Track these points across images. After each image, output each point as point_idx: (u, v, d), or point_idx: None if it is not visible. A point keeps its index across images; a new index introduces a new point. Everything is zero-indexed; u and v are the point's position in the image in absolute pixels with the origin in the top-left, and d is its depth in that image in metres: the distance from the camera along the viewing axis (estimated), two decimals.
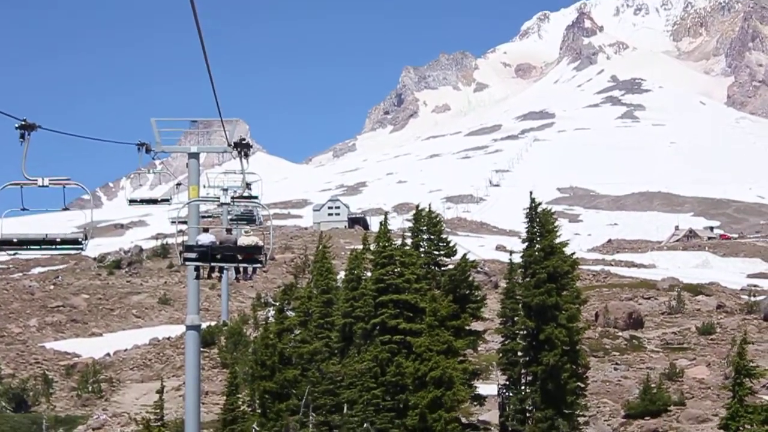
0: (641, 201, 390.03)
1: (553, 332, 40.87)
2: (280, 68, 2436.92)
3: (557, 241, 42.92)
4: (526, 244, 43.48)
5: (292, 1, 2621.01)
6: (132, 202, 53.27)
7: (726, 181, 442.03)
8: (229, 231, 31.67)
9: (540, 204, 43.37)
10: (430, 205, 48.52)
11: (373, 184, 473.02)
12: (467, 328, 41.32)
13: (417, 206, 48.18)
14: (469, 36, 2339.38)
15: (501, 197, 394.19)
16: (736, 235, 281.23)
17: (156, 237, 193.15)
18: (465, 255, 44.30)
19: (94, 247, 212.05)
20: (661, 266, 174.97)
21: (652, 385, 49.23)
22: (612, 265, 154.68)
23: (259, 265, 29.58)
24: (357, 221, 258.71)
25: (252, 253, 29.41)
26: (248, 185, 36.88)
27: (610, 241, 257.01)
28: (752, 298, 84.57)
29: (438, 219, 47.15)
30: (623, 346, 67.70)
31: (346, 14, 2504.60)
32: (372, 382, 39.71)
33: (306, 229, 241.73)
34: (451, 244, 46.60)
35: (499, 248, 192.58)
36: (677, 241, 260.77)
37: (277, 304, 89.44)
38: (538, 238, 43.01)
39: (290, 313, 47.58)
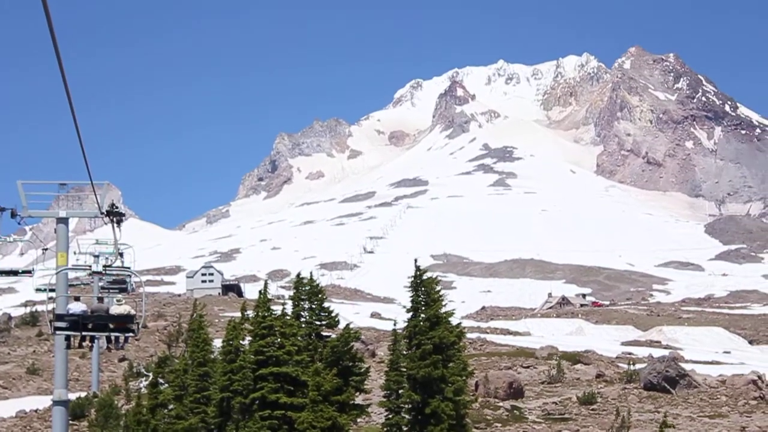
0: (514, 268, 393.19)
1: (439, 406, 39.22)
2: (155, 132, 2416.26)
3: (443, 310, 41.37)
4: (411, 313, 41.84)
5: (167, 66, 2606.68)
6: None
7: (596, 248, 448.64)
8: (100, 299, 30.86)
9: (425, 271, 41.73)
10: (311, 273, 46.64)
11: (247, 250, 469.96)
12: (351, 402, 39.35)
13: (298, 274, 46.23)
14: (343, 103, 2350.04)
15: (375, 264, 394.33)
16: (607, 302, 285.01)
17: (25, 304, 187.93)
18: (348, 325, 42.49)
19: None
20: (535, 333, 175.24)
21: None
22: (487, 332, 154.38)
23: (131, 334, 28.52)
24: (231, 288, 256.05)
25: (124, 322, 28.33)
26: (120, 254, 35.02)
27: (484, 308, 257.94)
28: (631, 367, 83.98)
29: (320, 288, 45.26)
30: (505, 417, 66.35)
31: (221, 78, 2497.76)
32: None
33: (179, 296, 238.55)
34: (333, 314, 44.72)
35: (375, 315, 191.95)
36: (550, 308, 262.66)
37: (150, 376, 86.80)
38: (423, 308, 41.42)
39: (164, 386, 45.17)
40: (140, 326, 28.99)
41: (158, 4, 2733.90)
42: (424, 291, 41.56)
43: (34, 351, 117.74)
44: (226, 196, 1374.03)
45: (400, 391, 41.67)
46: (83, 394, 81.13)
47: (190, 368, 45.06)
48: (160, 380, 43.54)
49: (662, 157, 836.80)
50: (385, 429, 42.78)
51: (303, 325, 43.77)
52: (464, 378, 41.18)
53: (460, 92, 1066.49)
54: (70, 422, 70.89)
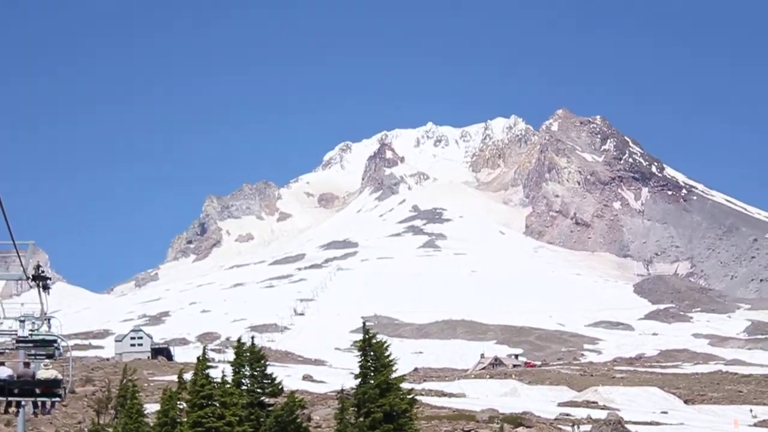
0: (445, 329, 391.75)
1: None
2: (82, 194, 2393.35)
3: (393, 375, 38.87)
4: (359, 379, 39.32)
5: (89, 133, 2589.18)
6: None
7: (527, 309, 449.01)
8: (26, 365, 29.69)
9: (375, 334, 39.26)
10: (253, 338, 43.71)
11: (176, 313, 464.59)
12: None
13: (239, 339, 43.44)
14: (272, 166, 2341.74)
15: (306, 326, 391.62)
16: (539, 363, 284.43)
17: None
18: (293, 393, 39.73)
19: None
20: (470, 395, 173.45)
21: None
22: (422, 394, 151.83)
23: (58, 399, 26.66)
24: (160, 352, 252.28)
25: (51, 387, 26.50)
26: (48, 319, 32.48)
27: (416, 369, 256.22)
28: (577, 429, 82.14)
29: (262, 353, 42.47)
30: None
31: (146, 135, 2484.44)
32: None
33: (108, 360, 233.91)
34: (276, 381, 41.91)
35: (307, 378, 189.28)
36: (483, 368, 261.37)
37: None
38: (372, 373, 38.91)
39: None
40: (67, 391, 27.12)
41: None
42: (373, 355, 39.15)
43: None
44: (155, 259, 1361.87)
45: None
46: None
47: None
48: None
49: (590, 217, 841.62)
50: None
51: (244, 394, 40.92)
52: None
53: (389, 154, 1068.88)
54: None
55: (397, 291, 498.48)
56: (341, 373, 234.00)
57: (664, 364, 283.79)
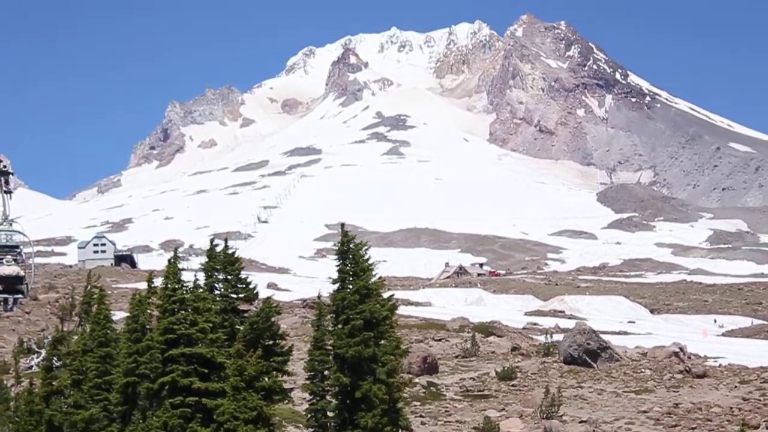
0: (409, 237, 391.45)
1: (370, 389, 34.98)
2: (44, 99, 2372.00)
3: (372, 281, 37.08)
4: (337, 284, 37.48)
5: (50, 39, 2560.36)
6: None
7: (491, 217, 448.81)
8: None
9: (353, 237, 37.39)
10: (226, 240, 41.63)
11: (139, 220, 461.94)
12: (278, 389, 34.58)
13: (211, 241, 41.41)
14: (235, 71, 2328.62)
15: (269, 234, 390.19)
16: (503, 272, 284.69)
17: None
18: (268, 299, 37.80)
19: None
20: (436, 304, 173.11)
21: None
22: None
23: (20, 295, 25.37)
24: (124, 259, 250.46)
25: (13, 284, 25.32)
26: (11, 221, 31.24)
27: (381, 278, 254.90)
28: (549, 340, 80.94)
29: (236, 257, 40.51)
30: (422, 394, 62.51)
31: (113, 41, 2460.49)
32: None
33: (71, 267, 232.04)
34: (251, 286, 39.97)
35: (271, 286, 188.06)
36: (448, 277, 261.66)
37: (42, 353, 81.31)
38: (351, 278, 37.08)
39: (60, 370, 39.97)
40: (30, 287, 26.08)
41: None
42: (352, 259, 37.30)
43: None
44: (118, 165, 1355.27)
45: (326, 373, 37.38)
46: None
47: (90, 349, 40.05)
48: (55, 362, 38.21)
49: (554, 125, 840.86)
50: (309, 415, 38.50)
51: (218, 299, 39.01)
52: (398, 357, 37.02)
53: (353, 60, 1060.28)
54: None
55: (361, 199, 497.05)
56: (305, 281, 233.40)
57: (627, 274, 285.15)
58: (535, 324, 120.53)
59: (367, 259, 37.35)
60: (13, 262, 26.60)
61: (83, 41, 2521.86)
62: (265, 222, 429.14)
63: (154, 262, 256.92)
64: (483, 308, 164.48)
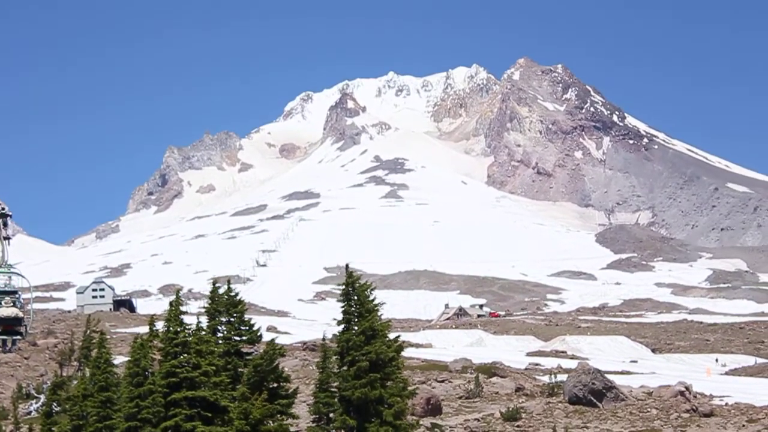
0: (408, 279, 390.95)
1: (378, 431, 34.34)
2: (42, 145, 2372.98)
3: (378, 322, 36.46)
4: (343, 326, 36.86)
5: (48, 84, 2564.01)
6: None
7: (490, 258, 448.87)
8: None
9: (358, 278, 36.79)
10: (229, 281, 41.07)
11: (138, 265, 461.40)
12: None
13: (213, 283, 40.82)
14: (233, 116, 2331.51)
15: (268, 277, 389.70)
16: (503, 313, 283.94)
17: None
18: (272, 341, 37.17)
19: None
20: (437, 345, 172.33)
21: None
22: None
23: (19, 337, 25.29)
24: (122, 303, 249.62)
25: (12, 325, 25.25)
26: (10, 266, 31.08)
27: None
28: (554, 380, 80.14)
29: (239, 299, 39.90)
30: None
31: (107, 87, 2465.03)
32: None
33: (69, 312, 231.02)
34: (254, 328, 39.36)
35: (271, 329, 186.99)
36: (447, 319, 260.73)
37: (42, 398, 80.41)
38: (356, 319, 36.44)
39: (60, 414, 39.14)
40: (28, 328, 26.24)
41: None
42: (357, 300, 36.69)
43: None
44: (116, 210, 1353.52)
45: (331, 415, 36.72)
46: None
47: (90, 394, 39.34)
48: (55, 408, 37.37)
49: (552, 167, 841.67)
50: None
51: (220, 342, 38.35)
52: (405, 399, 36.37)
53: (350, 104, 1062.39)
54: None
55: (359, 241, 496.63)
56: (305, 324, 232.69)
57: (628, 314, 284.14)
58: (537, 364, 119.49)
59: (372, 300, 36.78)
60: (11, 304, 26.42)
61: (79, 85, 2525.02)
62: (264, 266, 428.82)
63: (153, 306, 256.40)
64: (484, 349, 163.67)
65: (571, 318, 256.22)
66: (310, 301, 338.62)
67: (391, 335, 37.79)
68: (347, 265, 37.65)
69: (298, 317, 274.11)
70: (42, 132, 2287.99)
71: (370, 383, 34.75)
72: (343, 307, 37.09)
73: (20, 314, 25.67)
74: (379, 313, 36.53)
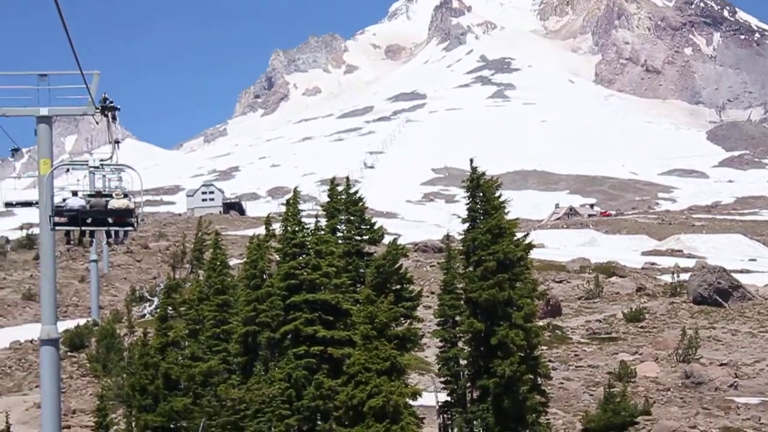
0: (516, 180, 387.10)
1: (507, 335, 32.41)
2: (148, 53, 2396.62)
3: (505, 219, 34.37)
4: (467, 224, 34.86)
5: None
6: (8, 205, 46.71)
7: (599, 158, 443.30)
8: (98, 194, 30.03)
9: (483, 173, 34.71)
10: (348, 177, 39.31)
11: (246, 168, 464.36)
12: (413, 337, 32.15)
13: (332, 180, 39.06)
14: (338, 18, 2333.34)
15: (376, 179, 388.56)
16: (614, 212, 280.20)
17: (21, 227, 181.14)
18: (395, 240, 35.37)
19: None
20: (549, 245, 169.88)
21: (614, 392, 40.77)
22: None
23: (130, 228, 28.56)
24: (232, 206, 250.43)
25: (123, 216, 28.18)
26: (117, 141, 29.87)
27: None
28: (676, 279, 77.76)
29: (359, 196, 38.08)
30: (548, 338, 59.92)
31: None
32: (285, 408, 30.85)
33: (180, 215, 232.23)
34: (376, 227, 37.57)
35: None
36: (558, 219, 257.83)
37: (155, 300, 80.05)
38: (482, 217, 34.39)
39: (175, 319, 37.76)
40: (139, 220, 25.82)
41: None
42: (483, 197, 34.62)
43: (31, 275, 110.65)
44: (223, 114, 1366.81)
45: (458, 318, 34.89)
46: (83, 321, 74.80)
47: (206, 297, 37.97)
48: (170, 312, 36.05)
49: (661, 64, 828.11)
50: (440, 364, 36.07)
51: (341, 242, 36.62)
52: (534, 301, 34.43)
53: (455, 4, 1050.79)
54: (69, 353, 64.73)
55: (466, 142, 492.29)
56: (413, 225, 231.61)
57: (741, 212, 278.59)
58: (653, 264, 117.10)
59: (499, 197, 34.69)
60: (123, 196, 25.79)
61: None
62: (372, 167, 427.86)
63: (262, 208, 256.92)
64: (597, 249, 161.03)
65: (684, 216, 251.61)
66: (418, 202, 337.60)
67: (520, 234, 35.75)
68: (471, 160, 35.44)
69: (407, 218, 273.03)
70: (150, 37, 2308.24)
71: (498, 284, 32.86)
72: (467, 204, 35.10)
73: (131, 205, 25.07)
74: (506, 211, 34.41)
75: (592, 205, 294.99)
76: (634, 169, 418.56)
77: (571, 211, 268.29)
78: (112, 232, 29.75)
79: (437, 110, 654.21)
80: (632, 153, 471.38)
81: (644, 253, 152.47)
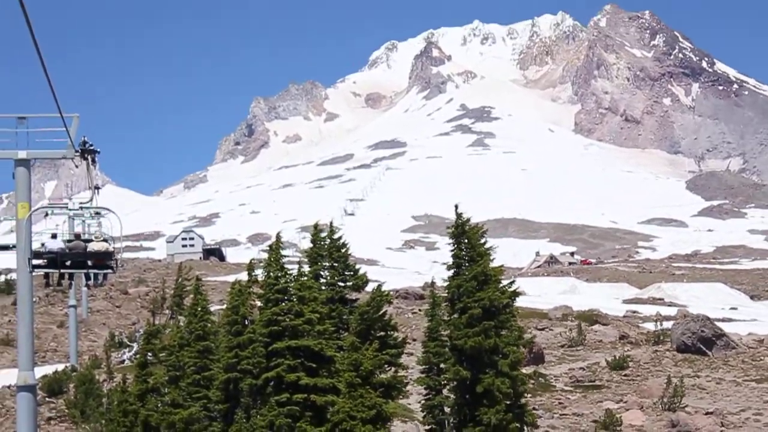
0: (497, 228, 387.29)
1: (493, 383, 31.97)
2: (130, 97, 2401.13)
3: (492, 266, 34.01)
4: (452, 271, 34.46)
5: (142, 39, 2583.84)
6: None
7: (579, 206, 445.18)
8: (77, 236, 30.09)
9: (468, 220, 34.38)
10: (331, 223, 38.92)
11: (226, 215, 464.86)
12: (398, 385, 31.65)
13: (315, 225, 38.64)
14: (319, 66, 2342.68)
15: (357, 226, 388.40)
16: (594, 260, 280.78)
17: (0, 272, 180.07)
18: (379, 286, 34.92)
19: None
20: (530, 293, 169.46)
21: None
22: None
23: (110, 271, 28.77)
24: (212, 252, 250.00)
25: (102, 259, 28.27)
26: (97, 187, 29.70)
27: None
28: (659, 327, 77.62)
29: (343, 242, 37.67)
30: (531, 385, 59.26)
31: (195, 42, 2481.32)
32: None
33: (160, 261, 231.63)
34: (360, 273, 37.15)
35: None
36: (538, 267, 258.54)
37: (134, 346, 79.35)
38: (467, 264, 34.01)
39: (154, 366, 37.23)
40: (119, 263, 25.71)
41: None
42: (468, 243, 34.27)
43: (9, 320, 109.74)
44: (203, 161, 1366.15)
45: (443, 366, 34.44)
46: (61, 367, 74.07)
47: (186, 343, 37.41)
48: (150, 358, 35.55)
49: (640, 114, 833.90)
50: (424, 412, 35.59)
51: (324, 288, 36.18)
52: (520, 348, 34.01)
53: (435, 53, 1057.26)
54: (47, 399, 63.95)
55: (447, 190, 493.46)
56: (395, 272, 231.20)
57: (721, 260, 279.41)
58: (635, 312, 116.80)
59: (484, 243, 34.34)
60: (102, 239, 25.73)
61: (167, 41, 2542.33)
62: (352, 215, 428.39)
63: (243, 255, 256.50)
64: (578, 297, 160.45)
65: (664, 265, 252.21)
66: (398, 249, 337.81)
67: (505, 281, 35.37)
68: (456, 206, 35.09)
69: (387, 265, 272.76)
70: (130, 84, 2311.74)
71: (484, 331, 32.46)
72: (452, 251, 34.73)
73: (111, 248, 24.96)
74: (491, 258, 34.04)
75: (572, 254, 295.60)
76: (614, 218, 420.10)
77: (552, 259, 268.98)
78: (92, 275, 29.99)
79: (417, 158, 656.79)
80: (612, 202, 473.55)
81: (625, 301, 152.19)
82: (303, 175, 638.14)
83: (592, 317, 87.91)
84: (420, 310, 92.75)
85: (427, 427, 35.81)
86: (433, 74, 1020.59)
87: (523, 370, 60.25)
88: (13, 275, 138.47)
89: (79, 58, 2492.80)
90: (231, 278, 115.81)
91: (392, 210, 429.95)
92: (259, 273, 36.24)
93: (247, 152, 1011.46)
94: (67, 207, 31.00)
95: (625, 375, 63.47)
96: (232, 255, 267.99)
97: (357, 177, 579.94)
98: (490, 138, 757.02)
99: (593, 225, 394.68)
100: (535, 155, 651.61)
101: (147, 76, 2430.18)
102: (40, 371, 60.33)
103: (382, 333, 34.08)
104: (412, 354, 52.27)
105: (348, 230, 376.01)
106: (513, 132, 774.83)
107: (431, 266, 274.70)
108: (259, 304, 34.67)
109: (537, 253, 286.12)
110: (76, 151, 27.82)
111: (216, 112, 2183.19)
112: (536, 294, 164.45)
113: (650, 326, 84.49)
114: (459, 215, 34.80)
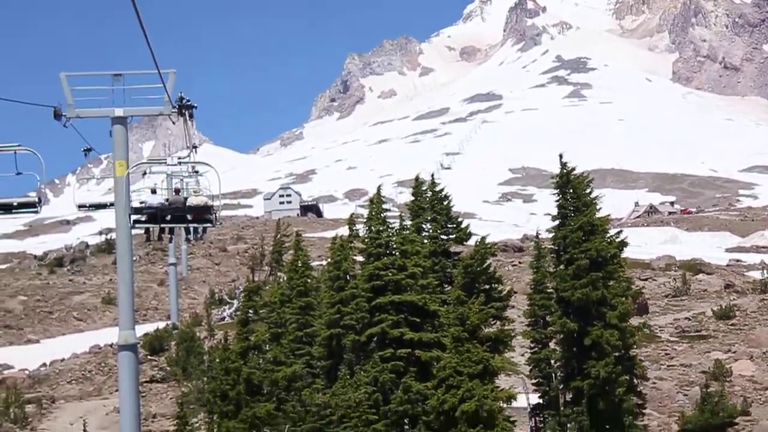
0: (595, 179, 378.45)
1: (602, 335, 31.17)
2: (226, 56, 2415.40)
3: (597, 215, 33.07)
4: (557, 221, 33.59)
5: None
6: (81, 207, 46.16)
7: (678, 156, 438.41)
8: (177, 191, 30.12)
9: (572, 170, 33.40)
10: (432, 175, 38.22)
11: (323, 171, 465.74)
12: (505, 339, 30.94)
13: (416, 177, 37.98)
14: (412, 21, 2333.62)
15: (453, 180, 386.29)
16: (695, 209, 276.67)
17: (101, 232, 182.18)
18: (483, 238, 34.14)
19: (37, 245, 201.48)
20: (631, 243, 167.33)
21: (711, 392, 39.36)
22: None
23: (209, 225, 28.89)
24: (309, 209, 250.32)
25: (202, 213, 28.44)
26: (195, 146, 29.68)
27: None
28: (766, 274, 75.91)
29: (446, 194, 36.95)
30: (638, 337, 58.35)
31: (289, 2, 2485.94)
32: (372, 413, 29.98)
33: (257, 218, 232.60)
34: (463, 225, 36.40)
35: None
36: (638, 217, 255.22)
37: (234, 303, 79.48)
38: (573, 214, 33.09)
39: (256, 323, 36.82)
40: (218, 216, 28.51)
41: None
42: (573, 194, 33.37)
43: (110, 280, 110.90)
44: (299, 118, 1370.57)
45: (549, 318, 33.72)
46: (162, 325, 74.58)
47: (288, 300, 37.04)
48: (251, 315, 35.08)
49: (740, 61, 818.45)
50: (531, 365, 34.91)
51: (426, 241, 35.53)
52: (629, 299, 33.12)
53: (530, 5, 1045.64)
54: (149, 357, 64.49)
55: (543, 142, 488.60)
56: (492, 225, 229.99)
57: None
58: (738, 260, 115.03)
59: (590, 193, 33.41)
60: (201, 193, 25.77)
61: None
62: (448, 168, 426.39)
63: (339, 210, 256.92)
64: (679, 246, 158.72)
65: (766, 213, 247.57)
66: (495, 202, 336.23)
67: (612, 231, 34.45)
68: (561, 155, 34.19)
69: (485, 219, 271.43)
70: (225, 38, 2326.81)
71: (591, 283, 31.71)
72: (557, 201, 33.93)
73: (210, 202, 24.90)
74: (597, 207, 33.10)
75: (672, 203, 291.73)
76: (714, 167, 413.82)
77: (651, 209, 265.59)
78: (191, 229, 30.18)
79: (513, 111, 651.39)
80: (711, 150, 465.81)
81: (728, 250, 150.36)
82: (398, 130, 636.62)
83: (695, 266, 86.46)
84: (520, 262, 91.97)
85: (533, 381, 35.17)
86: (527, 26, 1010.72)
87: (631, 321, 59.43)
88: (114, 235, 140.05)
89: (173, 11, 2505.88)
90: (329, 234, 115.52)
91: (489, 163, 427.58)
92: (360, 228, 35.71)
93: (342, 108, 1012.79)
94: (165, 163, 30.86)
95: (732, 324, 62.30)
96: (329, 211, 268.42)
97: (453, 131, 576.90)
98: (586, 89, 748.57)
99: (693, 174, 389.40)
100: (632, 105, 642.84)
101: (240, 31, 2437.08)
102: (141, 329, 60.55)
103: (487, 286, 33.44)
104: (514, 307, 51.62)
105: (444, 184, 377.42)
106: (610, 82, 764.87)
107: (529, 218, 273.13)
108: (360, 259, 34.20)
109: (636, 203, 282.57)
110: (174, 107, 27.49)
111: (311, 69, 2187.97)
112: (637, 244, 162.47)
113: (755, 274, 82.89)
114: (563, 165, 33.91)
